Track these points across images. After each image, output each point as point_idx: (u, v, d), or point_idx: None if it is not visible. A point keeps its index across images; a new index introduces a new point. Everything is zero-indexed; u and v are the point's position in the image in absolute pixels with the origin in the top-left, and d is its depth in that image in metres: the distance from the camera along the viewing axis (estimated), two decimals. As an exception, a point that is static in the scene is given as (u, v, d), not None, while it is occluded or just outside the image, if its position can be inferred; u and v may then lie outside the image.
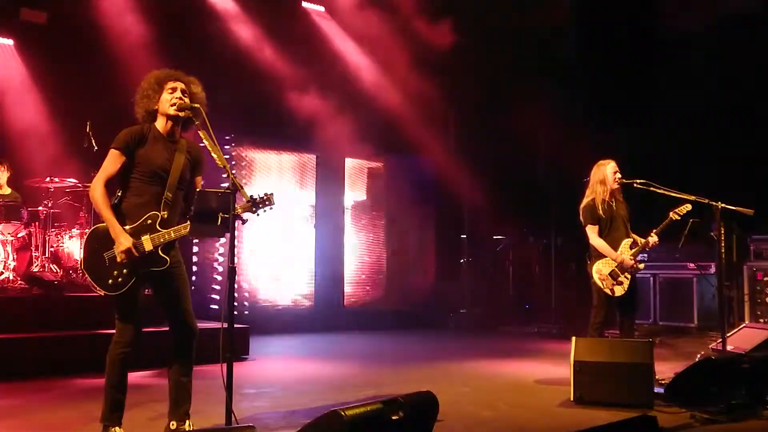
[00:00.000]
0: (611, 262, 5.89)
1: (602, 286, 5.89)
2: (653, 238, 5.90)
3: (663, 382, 5.56)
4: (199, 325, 4.17)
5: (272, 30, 10.17)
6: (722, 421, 4.66)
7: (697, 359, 6.16)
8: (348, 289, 11.33)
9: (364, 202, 11.87)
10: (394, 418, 3.01)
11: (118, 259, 3.80)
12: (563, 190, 10.09)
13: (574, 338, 5.45)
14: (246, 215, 3.79)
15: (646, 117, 10.77)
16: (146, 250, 3.84)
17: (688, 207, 5.85)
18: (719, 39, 10.23)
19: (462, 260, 11.66)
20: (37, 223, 7.74)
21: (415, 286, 11.93)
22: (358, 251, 11.64)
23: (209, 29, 9.60)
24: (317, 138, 10.29)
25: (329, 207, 11.11)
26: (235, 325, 3.60)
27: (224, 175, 3.64)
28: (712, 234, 6.13)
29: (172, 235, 3.90)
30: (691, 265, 9.90)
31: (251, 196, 3.78)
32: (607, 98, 11.00)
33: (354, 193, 11.72)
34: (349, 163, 11.55)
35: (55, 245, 7.68)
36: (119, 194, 3.98)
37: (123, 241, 3.79)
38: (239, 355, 7.16)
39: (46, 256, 7.60)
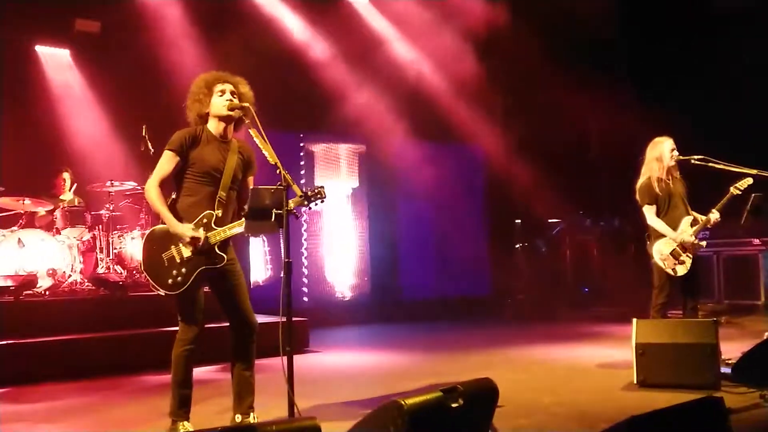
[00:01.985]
0: (671, 242, 5.76)
1: (664, 267, 5.76)
2: (714, 215, 5.74)
3: (730, 362, 5.39)
4: (259, 319, 4.26)
5: (319, 25, 10.22)
6: (793, 400, 4.53)
7: (765, 337, 5.97)
8: (403, 279, 11.34)
9: (415, 191, 11.85)
10: (454, 405, 3.01)
11: (184, 255, 3.89)
12: (618, 170, 9.87)
13: (635, 320, 5.35)
14: (303, 208, 3.86)
15: (701, 91, 10.45)
16: (210, 243, 3.93)
17: (749, 181, 5.66)
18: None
19: (517, 246, 11.55)
20: (100, 227, 7.99)
21: (469, 273, 11.88)
22: (412, 240, 11.64)
23: (256, 28, 9.70)
24: (366, 129, 10.33)
25: (380, 197, 11.14)
26: (294, 318, 3.65)
27: (277, 172, 3.69)
28: (776, 208, 5.93)
29: (228, 232, 3.99)
30: (756, 240, 9.59)
31: (304, 192, 3.84)
32: (659, 74, 10.72)
33: (405, 182, 11.71)
34: (399, 152, 11.55)
35: (118, 247, 7.92)
36: (173, 195, 4.09)
37: (185, 231, 3.90)
38: (299, 347, 7.27)
39: (111, 258, 7.84)
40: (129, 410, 5.03)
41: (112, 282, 7.53)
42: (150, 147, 7.60)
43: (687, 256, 5.74)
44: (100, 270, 7.81)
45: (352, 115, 10.11)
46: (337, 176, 10.95)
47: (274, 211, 3.65)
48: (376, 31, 10.82)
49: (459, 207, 11.96)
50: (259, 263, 10.08)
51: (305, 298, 10.23)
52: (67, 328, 6.65)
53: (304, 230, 10.34)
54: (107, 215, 8.00)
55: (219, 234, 3.97)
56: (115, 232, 8.01)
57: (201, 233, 3.92)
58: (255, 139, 3.90)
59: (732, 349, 6.11)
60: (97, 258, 7.95)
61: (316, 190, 3.88)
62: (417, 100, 10.58)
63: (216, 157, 4.07)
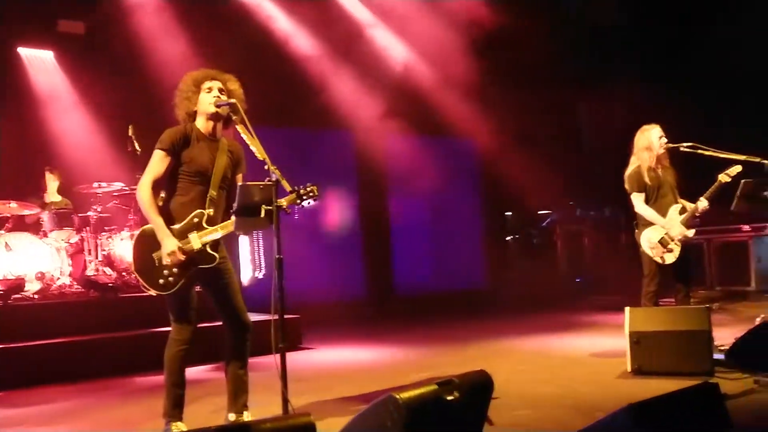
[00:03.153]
0: (660, 230, 5.76)
1: (652, 255, 5.77)
2: (702, 203, 5.75)
3: (723, 348, 5.43)
4: (253, 317, 4.23)
5: (308, 21, 10.17)
6: (788, 384, 4.55)
7: (757, 322, 5.99)
8: (397, 273, 11.33)
9: (408, 185, 11.85)
10: (449, 398, 3.00)
11: (164, 262, 3.87)
12: (608, 159, 9.90)
13: (628, 309, 5.36)
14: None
15: (691, 80, 10.49)
16: (194, 248, 3.90)
17: (738, 168, 5.67)
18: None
19: (508, 238, 11.57)
20: (88, 228, 7.91)
21: (463, 266, 11.90)
22: (405, 234, 11.63)
23: (243, 26, 9.65)
24: (357, 123, 10.30)
25: (373, 191, 11.12)
26: (286, 316, 3.63)
27: (266, 168, 3.66)
28: (766, 194, 5.95)
29: (220, 232, 3.95)
30: (746, 227, 9.64)
31: (296, 189, 3.80)
32: (649, 62, 10.75)
33: (397, 176, 11.70)
34: (391, 145, 11.53)
35: (107, 249, 7.85)
36: (163, 195, 4.05)
37: (168, 244, 3.85)
38: (292, 344, 7.24)
39: (100, 259, 7.78)
40: (123, 411, 5.00)
41: (102, 284, 7.48)
42: (137, 147, 7.55)
43: (675, 243, 5.75)
44: (90, 272, 7.74)
45: (342, 109, 10.08)
46: (328, 171, 10.90)
47: (263, 207, 3.62)
48: (366, 23, 10.76)
49: (452, 200, 11.98)
50: (247, 261, 10.06)
51: (298, 293, 10.18)
52: (57, 331, 6.61)
53: (295, 227, 10.29)
54: (95, 217, 7.93)
55: (211, 233, 3.94)
56: (104, 233, 7.94)
57: (179, 255, 3.83)
58: (243, 135, 3.87)
59: (725, 335, 6.14)
60: (85, 260, 7.89)
61: (308, 189, 3.84)
62: (409, 93, 10.55)
63: (206, 156, 4.03)
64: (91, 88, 9.13)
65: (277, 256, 3.59)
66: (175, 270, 3.89)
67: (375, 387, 5.24)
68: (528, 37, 10.39)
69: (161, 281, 3.90)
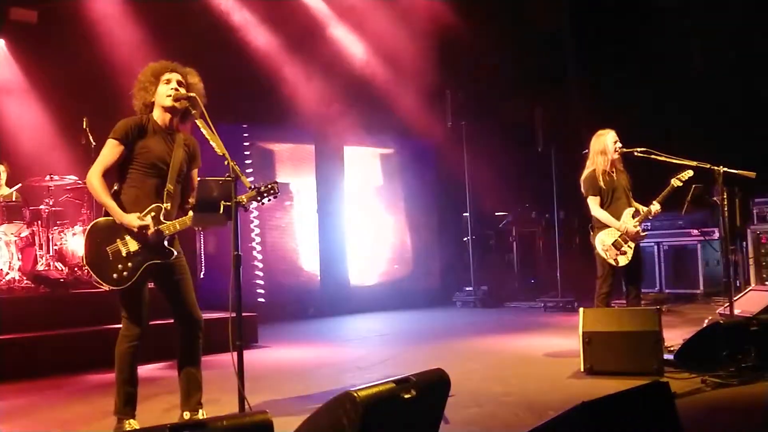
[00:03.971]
0: (614, 232, 5.88)
1: (606, 257, 5.88)
2: (655, 207, 5.89)
3: (672, 349, 5.57)
4: (208, 315, 4.19)
5: (269, 17, 10.09)
6: (733, 384, 4.69)
7: (704, 324, 6.16)
8: (354, 270, 11.34)
9: (372, 188, 11.89)
10: (406, 396, 3.01)
11: (128, 249, 3.79)
12: (563, 163, 10.06)
13: (581, 309, 5.46)
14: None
15: (643, 84, 10.72)
16: (163, 235, 3.83)
17: (690, 173, 5.83)
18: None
19: (465, 238, 11.66)
20: (39, 222, 7.73)
21: (420, 265, 11.96)
22: (367, 234, 11.65)
23: (203, 18, 9.52)
24: (317, 127, 10.29)
25: (329, 189, 11.11)
26: (243, 314, 3.60)
27: (225, 163, 3.62)
28: (714, 199, 6.12)
29: (178, 226, 3.90)
30: (695, 231, 9.90)
31: (257, 187, 3.77)
32: (602, 67, 10.95)
33: (363, 178, 11.73)
34: (355, 150, 11.55)
35: (58, 243, 7.68)
36: (116, 186, 3.97)
37: (130, 219, 3.79)
38: (249, 342, 7.19)
39: (51, 254, 7.60)
40: (73, 410, 4.89)
41: (53, 279, 7.31)
42: (91, 140, 7.41)
43: (628, 246, 5.87)
44: (40, 267, 7.56)
45: (298, 107, 10.03)
46: (286, 170, 10.85)
47: (222, 203, 3.58)
48: (321, 21, 10.74)
49: (409, 200, 12.03)
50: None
51: (257, 290, 10.12)
52: (5, 327, 6.41)
53: (255, 226, 10.21)
54: (47, 210, 7.74)
55: (169, 228, 3.88)
56: (56, 227, 7.77)
57: (149, 221, 3.82)
58: (202, 129, 3.82)
59: (674, 336, 6.31)
60: (36, 255, 7.70)
61: (269, 186, 3.80)
62: (366, 94, 10.54)
63: (162, 148, 3.97)
64: (43, 79, 8.91)
65: (235, 253, 3.55)
66: (129, 264, 3.83)
67: (332, 385, 5.24)
68: (486, 39, 10.50)
69: (114, 275, 3.83)
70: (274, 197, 3.82)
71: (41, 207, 7.75)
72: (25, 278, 7.44)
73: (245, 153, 10.23)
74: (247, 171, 10.00)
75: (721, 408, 4.37)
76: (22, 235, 7.68)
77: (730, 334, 5.01)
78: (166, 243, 3.90)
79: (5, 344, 6.18)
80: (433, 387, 3.23)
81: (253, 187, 3.76)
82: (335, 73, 10.42)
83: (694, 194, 5.99)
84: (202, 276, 9.38)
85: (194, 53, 7.24)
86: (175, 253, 3.94)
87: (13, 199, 7.95)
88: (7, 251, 7.37)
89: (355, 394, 2.83)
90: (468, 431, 3.98)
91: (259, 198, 3.77)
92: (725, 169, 5.67)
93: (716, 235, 9.43)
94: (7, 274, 7.35)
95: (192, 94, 3.94)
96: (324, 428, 2.97)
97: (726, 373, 4.77)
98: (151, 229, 3.82)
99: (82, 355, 6.30)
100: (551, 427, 2.67)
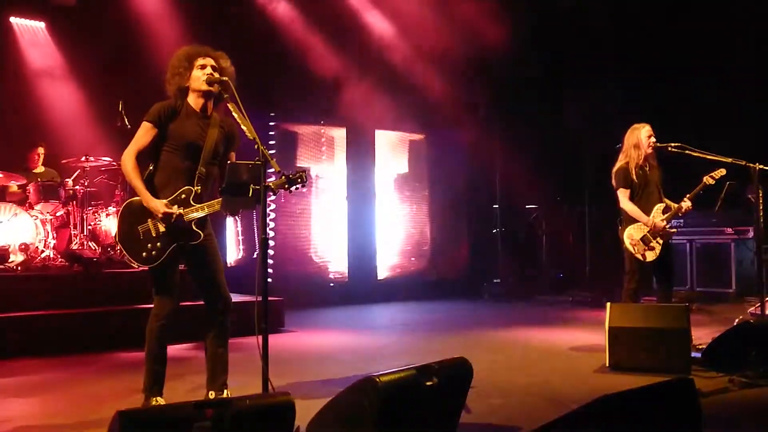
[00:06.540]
0: (643, 227, 5.81)
1: (633, 252, 5.82)
2: (686, 203, 5.80)
3: (700, 347, 5.50)
4: (235, 298, 4.24)
5: (307, 7, 10.10)
6: (761, 384, 4.61)
7: (735, 324, 6.07)
8: (382, 261, 11.36)
9: (404, 175, 11.88)
10: (428, 384, 3.03)
11: (157, 230, 3.86)
12: (596, 157, 9.94)
13: (609, 304, 5.41)
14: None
15: (679, 79, 10.51)
16: (185, 220, 3.89)
17: (723, 171, 5.73)
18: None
19: (495, 230, 11.61)
20: (74, 202, 7.88)
21: (449, 256, 11.95)
22: (396, 224, 11.66)
23: (238, 5, 9.58)
24: (349, 111, 10.28)
25: (360, 179, 11.12)
26: (270, 298, 3.64)
27: (255, 147, 3.65)
28: (749, 197, 6.00)
29: (206, 210, 3.95)
30: (729, 230, 9.73)
31: (286, 174, 3.78)
32: (638, 61, 10.76)
33: (394, 165, 11.73)
34: (388, 136, 11.53)
35: (92, 223, 7.83)
36: (151, 168, 4.03)
37: (158, 206, 3.86)
38: (275, 327, 7.26)
39: (85, 234, 7.75)
40: (102, 386, 5.00)
41: (86, 258, 7.45)
42: (126, 123, 7.49)
43: (657, 242, 5.79)
44: (74, 246, 7.72)
45: (329, 96, 10.04)
46: (315, 158, 10.90)
47: (251, 187, 3.61)
48: (354, 5, 10.69)
49: (440, 192, 12.01)
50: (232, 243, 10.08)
51: (281, 278, 10.18)
52: (39, 303, 6.59)
53: (273, 210, 10.27)
54: (82, 190, 7.89)
55: (197, 211, 3.93)
56: (90, 207, 7.92)
57: (175, 209, 3.88)
58: (234, 114, 3.86)
59: (702, 335, 6.23)
60: (71, 233, 7.86)
61: (297, 174, 3.82)
62: (400, 84, 10.50)
63: (195, 131, 4.02)
64: (82, 61, 9.07)
65: (262, 236, 3.58)
66: (159, 244, 3.89)
67: (355, 371, 5.26)
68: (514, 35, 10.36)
69: (144, 254, 3.90)
70: (303, 185, 3.84)
71: (77, 187, 7.90)
72: (59, 257, 7.60)
73: (270, 142, 10.29)
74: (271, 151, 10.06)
75: (747, 408, 4.30)
76: (58, 214, 7.84)
77: (760, 334, 4.92)
78: (194, 226, 3.96)
79: (41, 320, 6.34)
80: (455, 375, 3.25)
81: (282, 173, 3.78)
82: (369, 62, 10.39)
83: (728, 191, 5.89)
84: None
85: (231, 37, 7.35)
86: (202, 235, 3.99)
87: (50, 179, 8.12)
88: (43, 229, 7.53)
89: (377, 380, 2.86)
90: (489, 421, 3.97)
91: (287, 185, 3.78)
92: (761, 166, 5.56)
93: (750, 234, 9.26)
94: (42, 252, 7.52)
95: (225, 78, 3.97)
96: (345, 412, 3.01)
97: (754, 374, 4.69)
98: (175, 217, 3.87)
99: (115, 333, 6.45)
100: (572, 419, 2.66)
